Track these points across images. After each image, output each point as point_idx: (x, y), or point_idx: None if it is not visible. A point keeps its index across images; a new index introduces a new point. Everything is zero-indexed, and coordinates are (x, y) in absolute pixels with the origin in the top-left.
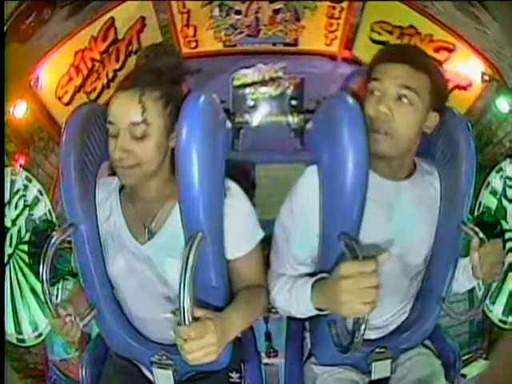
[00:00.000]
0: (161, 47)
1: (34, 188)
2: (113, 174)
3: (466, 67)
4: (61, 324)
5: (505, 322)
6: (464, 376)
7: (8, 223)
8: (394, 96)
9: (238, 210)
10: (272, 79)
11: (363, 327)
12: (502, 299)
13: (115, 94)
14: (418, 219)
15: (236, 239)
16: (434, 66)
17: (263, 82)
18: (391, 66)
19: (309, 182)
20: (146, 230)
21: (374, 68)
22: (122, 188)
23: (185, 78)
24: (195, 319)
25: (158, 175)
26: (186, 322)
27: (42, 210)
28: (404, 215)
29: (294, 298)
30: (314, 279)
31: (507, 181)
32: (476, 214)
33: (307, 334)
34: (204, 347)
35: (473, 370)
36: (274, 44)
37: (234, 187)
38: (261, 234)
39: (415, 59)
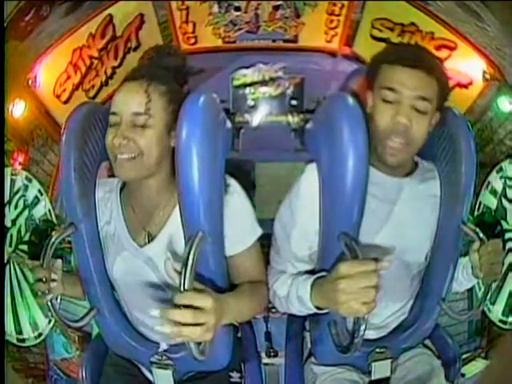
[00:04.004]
0: (166, 48)
1: (34, 188)
2: (113, 175)
3: (467, 65)
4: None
5: (505, 322)
6: (463, 375)
7: (8, 223)
8: (411, 106)
9: (237, 207)
10: (272, 79)
11: (363, 327)
12: (502, 299)
13: (122, 84)
14: (418, 216)
15: (234, 236)
16: (439, 67)
17: (263, 82)
18: (405, 72)
19: (309, 180)
20: (146, 233)
21: (381, 68)
22: (121, 190)
23: (188, 80)
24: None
25: (158, 175)
26: None
27: (42, 209)
28: (404, 211)
29: (294, 296)
30: (313, 278)
31: (507, 181)
32: (476, 213)
33: (307, 334)
34: (199, 318)
35: (472, 369)
36: (274, 41)
37: (233, 184)
38: (259, 232)
39: (427, 63)
